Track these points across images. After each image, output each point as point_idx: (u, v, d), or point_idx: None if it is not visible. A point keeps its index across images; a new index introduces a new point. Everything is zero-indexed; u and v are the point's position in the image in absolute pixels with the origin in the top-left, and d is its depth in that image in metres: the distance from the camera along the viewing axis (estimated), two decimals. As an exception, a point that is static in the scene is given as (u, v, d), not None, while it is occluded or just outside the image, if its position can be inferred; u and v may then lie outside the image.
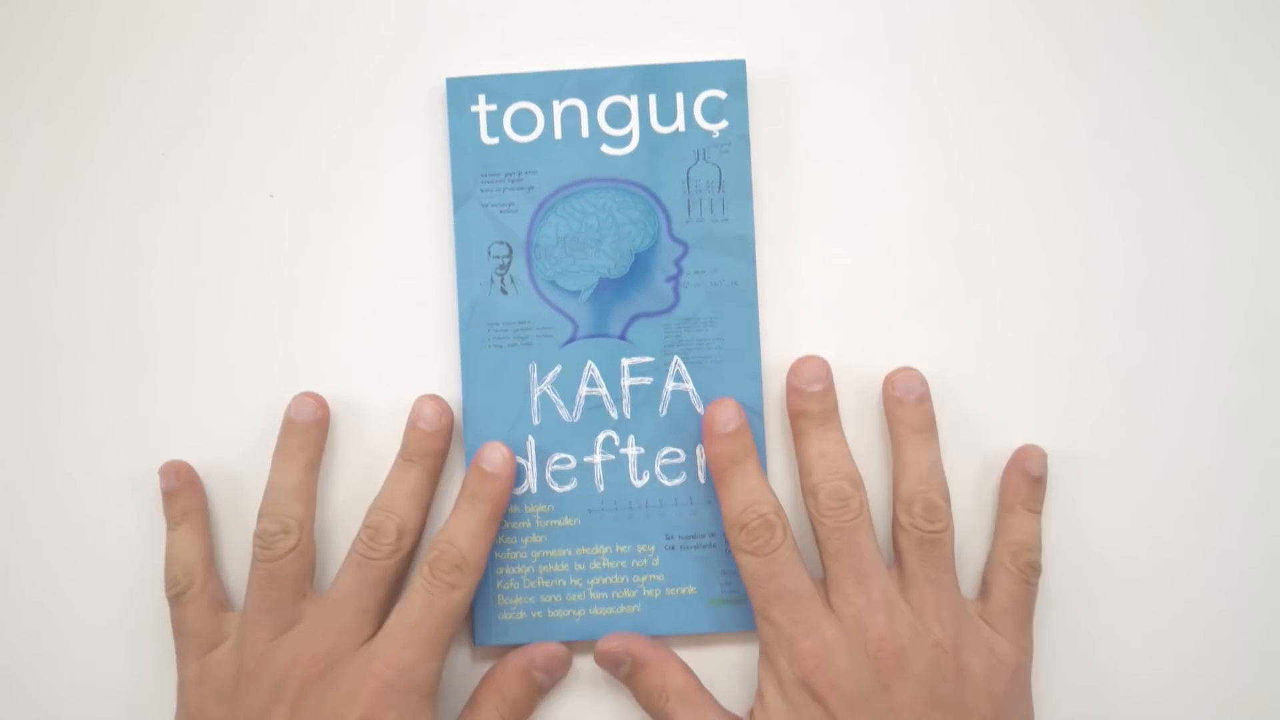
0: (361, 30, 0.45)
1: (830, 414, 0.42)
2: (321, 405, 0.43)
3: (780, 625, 0.39)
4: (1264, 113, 0.44)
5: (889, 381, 0.43)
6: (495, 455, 0.42)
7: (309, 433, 0.43)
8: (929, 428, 0.42)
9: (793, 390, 0.42)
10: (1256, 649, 0.44)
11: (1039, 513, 0.43)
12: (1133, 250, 0.44)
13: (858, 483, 0.41)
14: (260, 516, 0.42)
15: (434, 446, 0.42)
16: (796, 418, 0.42)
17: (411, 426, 0.43)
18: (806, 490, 0.41)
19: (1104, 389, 0.44)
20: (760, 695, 0.40)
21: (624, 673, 0.42)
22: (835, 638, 0.39)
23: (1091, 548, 0.44)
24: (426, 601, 0.40)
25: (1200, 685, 0.44)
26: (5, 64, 0.45)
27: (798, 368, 0.42)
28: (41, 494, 0.45)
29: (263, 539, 0.41)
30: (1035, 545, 0.42)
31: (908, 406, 0.42)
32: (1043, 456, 0.43)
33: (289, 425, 0.43)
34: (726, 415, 0.41)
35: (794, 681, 0.39)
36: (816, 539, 0.41)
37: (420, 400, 0.43)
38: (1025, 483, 0.43)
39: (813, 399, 0.42)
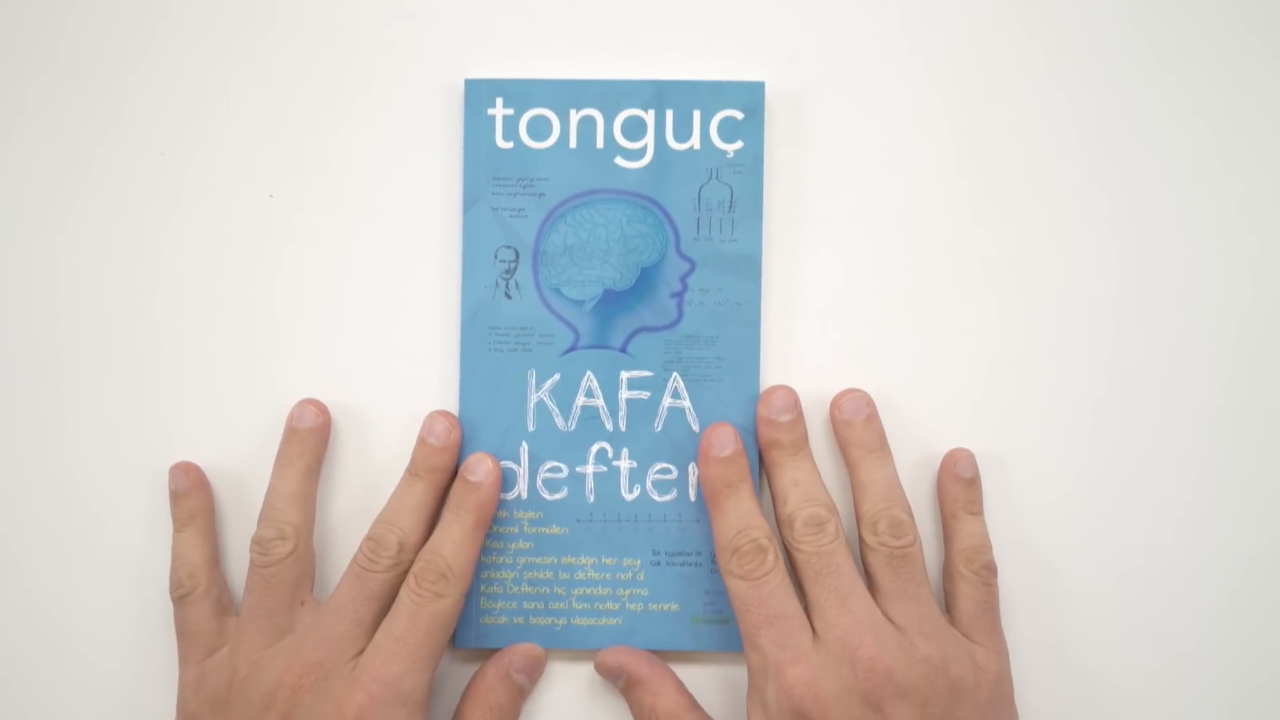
0: (381, 28, 0.45)
1: (800, 443, 0.42)
2: (322, 412, 0.43)
3: (768, 652, 0.39)
4: (1260, 115, 0.45)
5: (835, 405, 0.43)
6: (481, 466, 0.42)
7: (308, 439, 0.43)
8: (881, 445, 0.43)
9: (763, 421, 0.42)
10: (1242, 648, 0.44)
11: (980, 514, 0.43)
12: (1134, 255, 0.44)
13: (832, 509, 0.41)
14: (259, 522, 0.42)
15: (441, 462, 0.42)
16: (769, 448, 0.42)
17: (421, 441, 0.43)
18: (782, 520, 0.41)
19: (1104, 393, 0.44)
20: None
21: (620, 685, 0.42)
22: (823, 663, 0.38)
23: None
24: (412, 612, 0.39)
25: (1185, 685, 0.44)
26: (7, 64, 0.45)
27: (767, 398, 0.43)
28: (45, 495, 0.44)
29: (259, 545, 0.41)
30: (985, 546, 0.42)
31: (857, 428, 0.43)
32: (970, 458, 0.43)
33: (289, 432, 0.43)
34: (724, 439, 0.41)
35: (783, 714, 0.38)
36: (795, 566, 0.41)
37: (431, 416, 0.43)
38: (959, 487, 0.43)
39: (783, 429, 0.42)
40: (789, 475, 0.42)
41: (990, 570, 0.42)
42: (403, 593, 0.40)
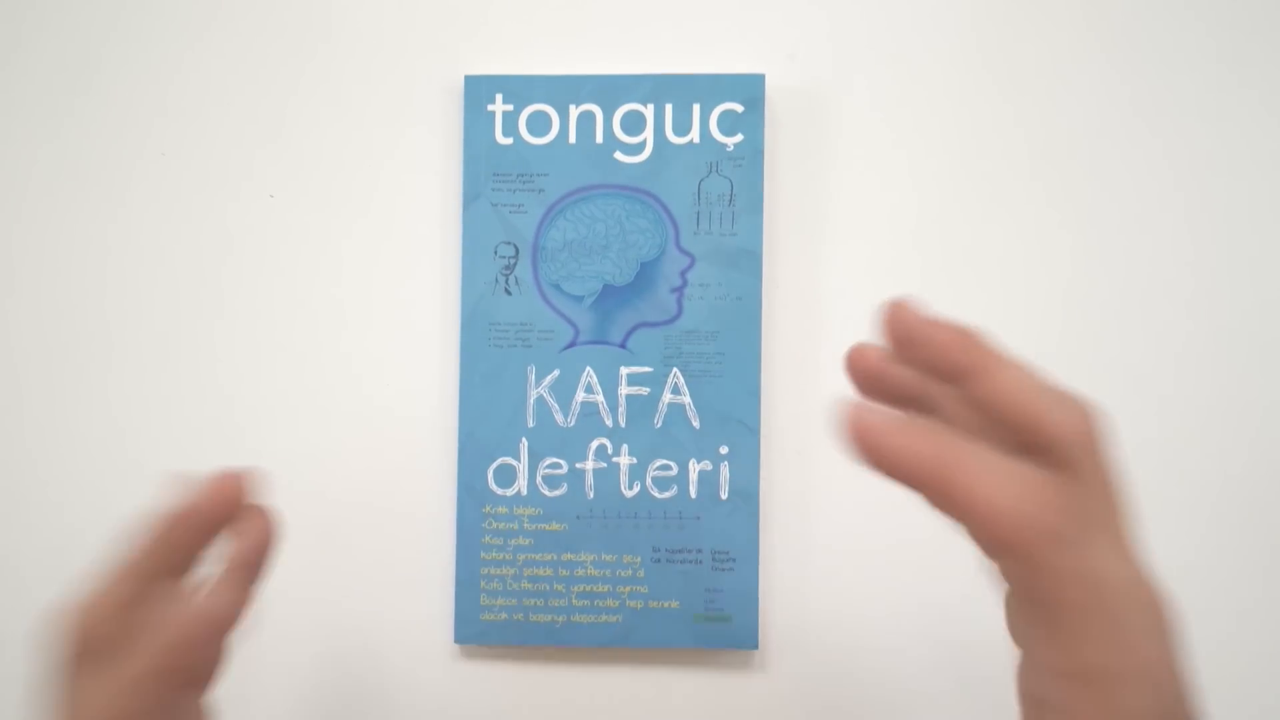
0: (381, 26, 0.45)
1: None
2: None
3: None
4: (1260, 114, 0.44)
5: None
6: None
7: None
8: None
9: None
10: (1242, 648, 0.43)
11: None
12: (1135, 254, 0.44)
13: None
14: None
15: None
16: None
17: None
18: None
19: (1104, 393, 0.43)
20: None
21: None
22: None
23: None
24: None
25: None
26: (7, 65, 0.45)
27: None
28: (45, 495, 0.45)
29: None
30: None
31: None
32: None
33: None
34: None
35: None
36: None
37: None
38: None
39: None
40: None
41: None
42: None
